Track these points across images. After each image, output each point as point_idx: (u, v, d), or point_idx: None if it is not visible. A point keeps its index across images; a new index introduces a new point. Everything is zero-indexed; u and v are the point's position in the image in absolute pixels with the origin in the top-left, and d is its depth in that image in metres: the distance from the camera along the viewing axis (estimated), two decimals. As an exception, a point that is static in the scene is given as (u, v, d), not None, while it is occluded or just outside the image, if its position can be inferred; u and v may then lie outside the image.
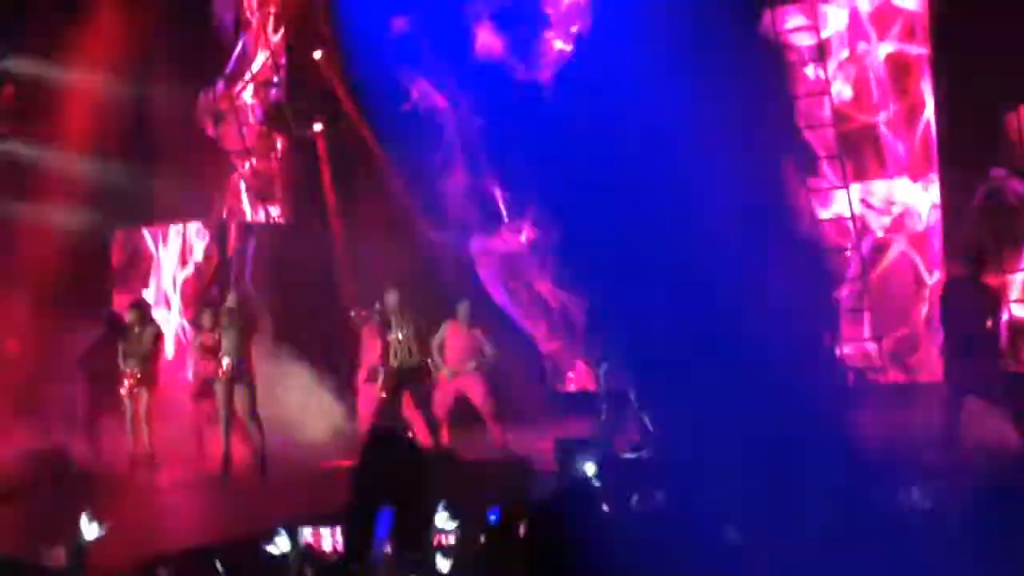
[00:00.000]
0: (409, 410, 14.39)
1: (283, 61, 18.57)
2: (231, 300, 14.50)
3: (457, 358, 14.37)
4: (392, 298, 14.25)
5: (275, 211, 18.56)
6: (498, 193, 17.22)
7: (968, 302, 12.12)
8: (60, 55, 17.33)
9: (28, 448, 13.90)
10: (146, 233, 18.41)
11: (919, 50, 15.07)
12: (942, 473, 6.80)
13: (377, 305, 14.48)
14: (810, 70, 15.46)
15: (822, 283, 14.98)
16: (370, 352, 14.58)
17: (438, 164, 17.35)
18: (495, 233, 17.14)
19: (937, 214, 14.77)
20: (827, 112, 15.27)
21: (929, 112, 14.99)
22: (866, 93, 15.28)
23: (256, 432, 14.10)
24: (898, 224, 15.12)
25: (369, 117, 16.81)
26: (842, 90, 15.34)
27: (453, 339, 14.40)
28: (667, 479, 7.67)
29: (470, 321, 14.46)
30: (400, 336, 14.19)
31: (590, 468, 9.75)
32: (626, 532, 5.53)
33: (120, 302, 18.00)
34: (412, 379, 14.26)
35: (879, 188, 15.19)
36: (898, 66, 15.17)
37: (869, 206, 15.17)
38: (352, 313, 14.94)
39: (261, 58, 18.68)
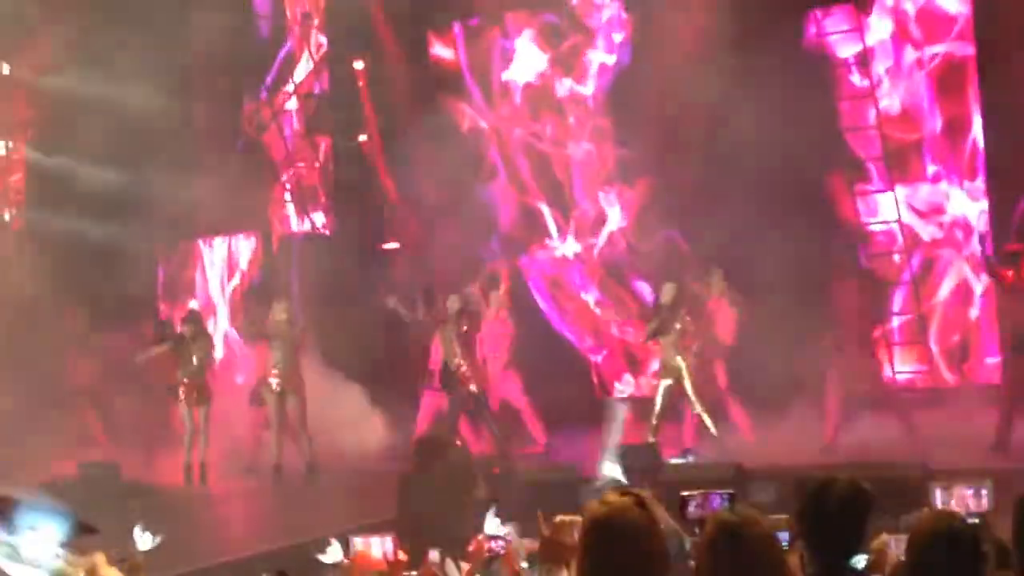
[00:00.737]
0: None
1: (326, 71, 18.63)
2: (278, 311, 14.59)
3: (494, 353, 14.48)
4: (454, 303, 14.39)
5: (320, 221, 18.63)
6: (545, 208, 17.22)
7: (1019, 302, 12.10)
8: (99, 68, 17.47)
9: (81, 460, 14.02)
10: (200, 245, 18.55)
11: (964, 52, 14.95)
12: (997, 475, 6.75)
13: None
14: (855, 77, 15.38)
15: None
16: (436, 358, 14.65)
17: (484, 178, 17.40)
18: (543, 246, 17.15)
19: (985, 219, 14.65)
20: (872, 116, 15.18)
21: (976, 120, 14.86)
22: (912, 101, 15.18)
23: (305, 442, 14.22)
24: (947, 232, 15.01)
25: (410, 130, 16.87)
26: (888, 99, 15.23)
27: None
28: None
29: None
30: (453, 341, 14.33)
31: (616, 472, 9.75)
32: (680, 539, 5.55)
33: (168, 314, 18.17)
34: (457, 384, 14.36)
35: (925, 193, 15.09)
36: (943, 74, 15.05)
37: (916, 212, 15.08)
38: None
39: (304, 68, 18.76)
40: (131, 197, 17.24)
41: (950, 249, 15.00)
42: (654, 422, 13.29)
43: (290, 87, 18.79)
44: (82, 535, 5.30)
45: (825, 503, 4.17)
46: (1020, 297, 12.13)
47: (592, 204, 16.93)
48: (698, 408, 13.24)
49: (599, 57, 16.92)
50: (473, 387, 14.20)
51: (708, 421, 13.20)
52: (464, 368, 14.23)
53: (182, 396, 14.51)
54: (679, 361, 13.30)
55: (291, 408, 14.27)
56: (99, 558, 6.70)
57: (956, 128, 14.97)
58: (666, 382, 13.41)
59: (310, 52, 18.64)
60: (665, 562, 3.58)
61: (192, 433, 14.42)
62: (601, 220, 16.86)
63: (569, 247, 17.04)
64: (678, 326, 13.33)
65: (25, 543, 4.54)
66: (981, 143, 14.81)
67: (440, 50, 17.81)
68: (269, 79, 18.79)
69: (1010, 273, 12.09)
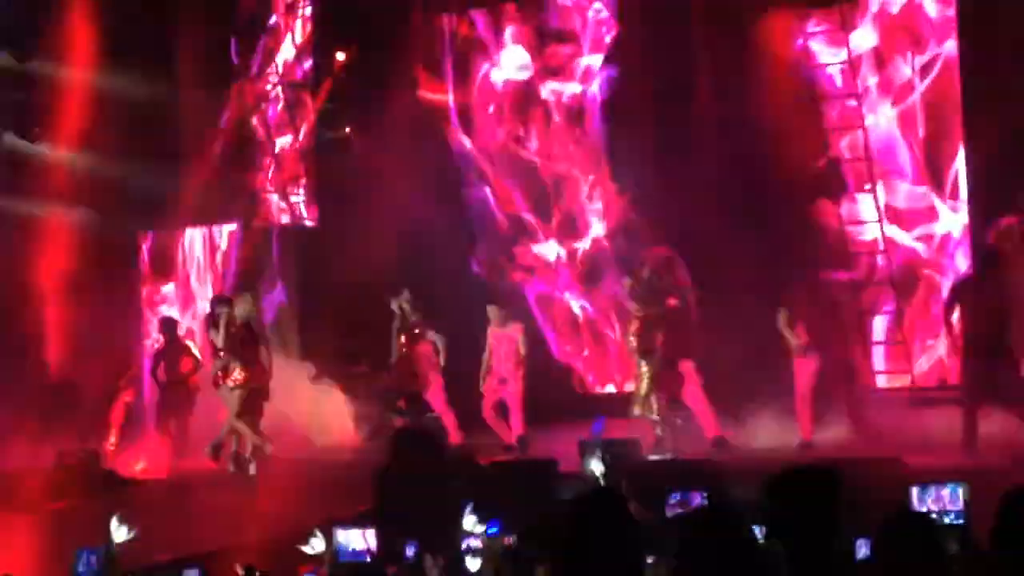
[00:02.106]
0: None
1: (311, 62, 18.58)
2: (241, 308, 14.40)
3: (501, 362, 14.47)
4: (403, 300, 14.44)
5: (303, 213, 18.59)
6: (528, 210, 17.19)
7: (980, 302, 12.21)
8: (83, 57, 17.41)
9: (61, 451, 13.99)
10: (186, 233, 18.52)
11: (949, 61, 14.94)
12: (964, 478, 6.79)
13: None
14: (839, 82, 15.41)
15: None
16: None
17: (466, 179, 17.37)
18: (527, 248, 17.13)
19: (965, 234, 14.68)
20: (856, 118, 15.20)
21: (958, 137, 14.87)
22: (897, 112, 15.21)
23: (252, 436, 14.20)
24: (926, 235, 15.03)
25: (394, 124, 16.85)
26: (873, 107, 15.26)
27: (497, 343, 14.49)
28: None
29: (504, 320, 14.56)
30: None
31: (597, 468, 9.78)
32: (654, 534, 5.57)
33: (151, 305, 18.15)
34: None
35: (906, 196, 15.12)
36: (930, 84, 15.06)
37: (897, 215, 15.11)
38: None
39: (289, 59, 18.70)
40: (112, 184, 17.20)
41: (926, 246, 15.02)
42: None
43: (274, 77, 18.74)
44: None
45: (792, 493, 4.15)
46: (979, 298, 12.25)
47: (576, 208, 16.90)
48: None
49: (585, 60, 16.87)
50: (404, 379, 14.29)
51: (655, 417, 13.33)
52: (401, 366, 14.30)
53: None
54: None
55: (245, 401, 14.17)
56: None
57: (941, 139, 14.97)
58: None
59: (294, 42, 18.59)
60: (640, 556, 3.61)
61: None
62: (585, 224, 16.84)
63: (551, 249, 17.00)
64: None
65: None
66: (963, 158, 14.79)
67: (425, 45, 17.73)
68: (254, 68, 18.75)
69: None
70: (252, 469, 13.93)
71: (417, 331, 14.66)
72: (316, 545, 7.08)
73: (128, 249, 18.51)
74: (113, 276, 17.63)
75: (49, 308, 16.93)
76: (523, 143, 17.22)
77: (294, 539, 7.49)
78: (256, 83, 18.78)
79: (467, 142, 17.41)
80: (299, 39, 18.58)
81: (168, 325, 16.50)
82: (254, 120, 18.77)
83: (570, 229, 16.91)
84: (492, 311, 14.53)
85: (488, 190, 17.27)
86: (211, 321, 14.57)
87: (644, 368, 13.36)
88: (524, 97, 17.22)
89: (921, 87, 15.00)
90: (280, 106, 18.76)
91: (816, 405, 13.06)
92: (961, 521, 6.39)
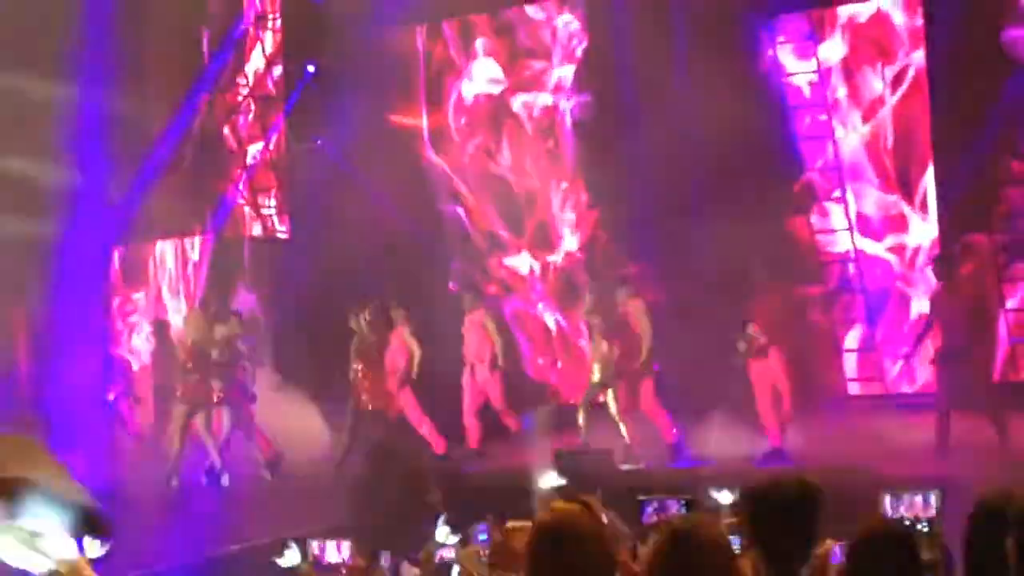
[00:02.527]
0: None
1: (281, 73, 18.56)
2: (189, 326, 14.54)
3: (475, 352, 14.50)
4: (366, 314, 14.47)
5: (275, 224, 18.57)
6: (501, 223, 17.21)
7: (952, 310, 12.37)
8: (53, 68, 17.35)
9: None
10: (157, 245, 18.46)
11: (917, 71, 15.03)
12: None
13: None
14: (808, 91, 15.50)
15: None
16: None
17: (439, 194, 17.38)
18: (500, 262, 17.14)
19: (935, 246, 14.78)
20: (827, 127, 15.28)
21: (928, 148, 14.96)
22: (867, 117, 15.29)
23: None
24: (898, 252, 15.11)
25: (366, 138, 16.87)
26: (843, 117, 15.34)
27: (467, 330, 14.60)
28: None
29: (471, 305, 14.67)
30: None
31: (553, 480, 9.82)
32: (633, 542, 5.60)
33: (123, 317, 18.05)
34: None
35: (876, 204, 15.20)
36: (898, 99, 15.14)
37: (867, 224, 15.20)
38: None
39: (258, 69, 18.68)
40: (81, 196, 17.12)
41: (897, 257, 15.11)
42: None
43: (244, 90, 18.71)
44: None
45: (772, 503, 4.16)
46: (951, 306, 12.44)
47: (549, 221, 16.92)
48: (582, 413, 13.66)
49: (556, 72, 16.91)
50: (364, 399, 14.22)
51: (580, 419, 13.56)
52: (360, 379, 14.27)
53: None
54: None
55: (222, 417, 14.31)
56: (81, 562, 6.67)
57: (911, 151, 15.05)
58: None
59: (264, 53, 18.57)
60: (612, 567, 3.62)
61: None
62: (558, 237, 16.86)
63: (524, 262, 17.01)
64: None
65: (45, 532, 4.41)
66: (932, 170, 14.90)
67: (398, 54, 17.73)
68: (223, 80, 18.71)
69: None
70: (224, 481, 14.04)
71: (375, 348, 14.58)
72: (291, 557, 7.08)
73: (99, 262, 18.40)
74: (84, 289, 17.53)
75: (17, 322, 16.83)
76: (495, 157, 17.24)
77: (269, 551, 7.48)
78: (226, 94, 18.74)
79: (439, 161, 17.42)
80: (269, 50, 18.57)
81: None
82: (225, 131, 18.73)
83: (543, 242, 16.94)
84: (465, 298, 14.70)
85: (461, 206, 17.28)
86: None
87: (596, 378, 13.50)
88: (495, 111, 17.26)
89: (892, 99, 15.10)
90: (251, 117, 18.73)
91: (783, 409, 13.07)
92: (931, 528, 6.42)
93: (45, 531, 3.19)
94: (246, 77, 18.68)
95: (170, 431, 14.42)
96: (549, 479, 9.67)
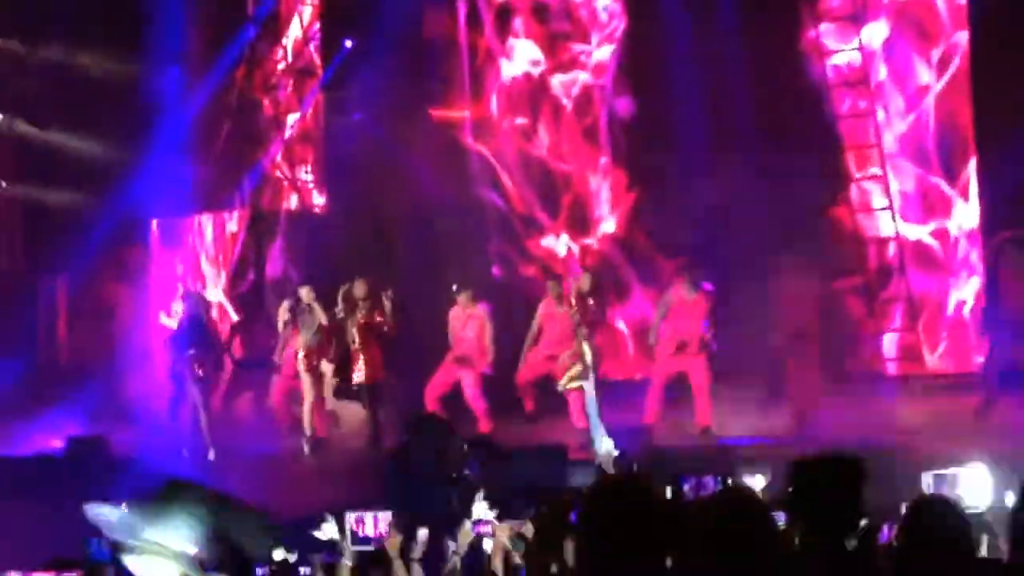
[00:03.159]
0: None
1: (320, 49, 18.55)
2: (307, 294, 14.50)
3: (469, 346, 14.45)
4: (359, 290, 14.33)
5: (312, 199, 18.59)
6: (538, 205, 17.11)
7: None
8: (95, 44, 17.44)
9: (69, 435, 13.98)
10: (196, 219, 18.50)
11: (960, 51, 14.88)
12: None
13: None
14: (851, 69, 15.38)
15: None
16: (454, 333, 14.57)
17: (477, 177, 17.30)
18: (536, 243, 17.07)
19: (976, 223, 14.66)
20: (867, 103, 15.16)
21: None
22: (909, 102, 15.16)
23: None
24: (940, 237, 14.98)
25: (400, 110, 16.84)
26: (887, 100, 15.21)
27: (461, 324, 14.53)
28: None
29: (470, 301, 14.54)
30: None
31: (607, 445, 9.77)
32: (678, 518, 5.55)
33: (159, 291, 18.11)
34: None
35: (918, 189, 15.07)
36: (941, 80, 15.00)
37: (908, 216, 15.08)
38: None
39: (297, 43, 18.67)
40: (121, 170, 17.20)
41: (939, 242, 14.99)
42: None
43: (282, 63, 18.71)
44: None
45: (817, 478, 4.13)
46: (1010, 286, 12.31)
47: (587, 202, 16.83)
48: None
49: (595, 52, 16.80)
50: (361, 376, 14.19)
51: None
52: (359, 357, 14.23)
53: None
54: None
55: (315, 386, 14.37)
56: None
57: (953, 132, 14.91)
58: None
59: (302, 25, 18.55)
60: (667, 534, 3.59)
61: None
62: (596, 219, 16.77)
63: (561, 243, 16.94)
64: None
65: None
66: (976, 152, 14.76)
67: (436, 33, 17.64)
68: (260, 52, 18.71)
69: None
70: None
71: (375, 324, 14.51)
72: (328, 530, 7.06)
73: (138, 234, 18.48)
74: (124, 261, 17.64)
75: (60, 292, 16.95)
76: (532, 138, 17.14)
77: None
78: (264, 66, 18.73)
79: (478, 145, 17.32)
80: (307, 22, 18.55)
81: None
82: (263, 104, 18.74)
83: (580, 224, 16.85)
84: (461, 293, 14.52)
85: (498, 187, 17.19)
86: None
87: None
88: (534, 92, 17.14)
89: (935, 81, 14.95)
90: (288, 90, 18.72)
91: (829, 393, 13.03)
92: (974, 508, 6.37)
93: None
94: (284, 50, 18.66)
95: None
96: (607, 445, 9.70)
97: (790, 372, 13.08)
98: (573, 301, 13.52)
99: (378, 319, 14.15)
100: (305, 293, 14.58)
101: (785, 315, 13.23)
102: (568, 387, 13.31)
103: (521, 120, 17.22)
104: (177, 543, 4.86)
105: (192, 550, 4.88)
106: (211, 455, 14.15)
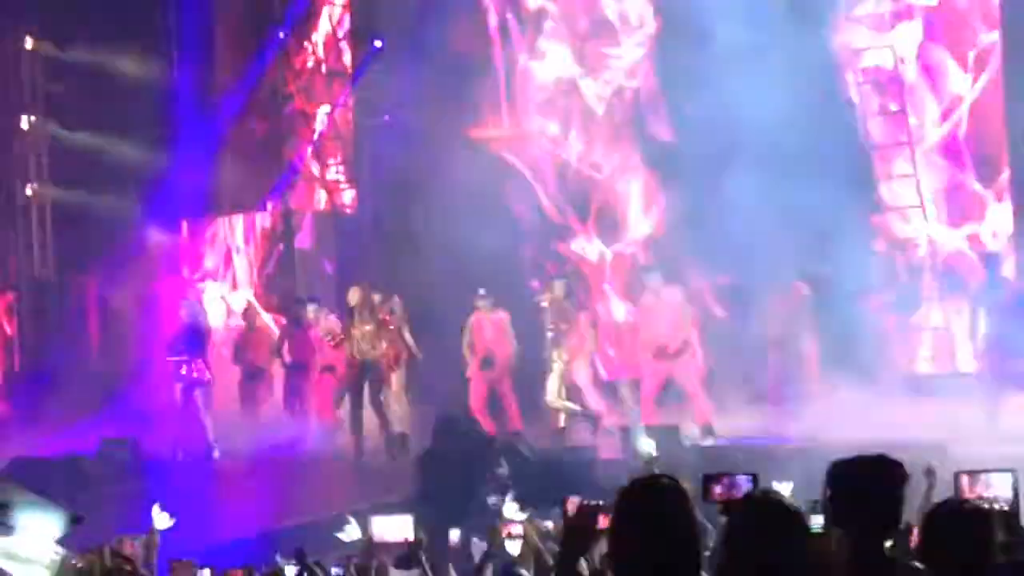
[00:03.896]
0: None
1: (350, 49, 18.57)
2: (355, 297, 14.46)
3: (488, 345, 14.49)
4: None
5: (343, 199, 18.61)
6: (569, 210, 17.05)
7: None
8: (125, 46, 17.51)
9: (103, 437, 14.04)
10: (227, 219, 18.53)
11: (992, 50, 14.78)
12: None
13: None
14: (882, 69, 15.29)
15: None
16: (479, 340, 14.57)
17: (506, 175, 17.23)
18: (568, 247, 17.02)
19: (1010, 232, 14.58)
20: (899, 104, 15.07)
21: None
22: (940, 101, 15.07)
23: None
24: (973, 243, 14.86)
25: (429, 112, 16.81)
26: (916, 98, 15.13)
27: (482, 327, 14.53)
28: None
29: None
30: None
31: (648, 447, 9.77)
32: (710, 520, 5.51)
33: (191, 290, 18.13)
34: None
35: (951, 194, 14.97)
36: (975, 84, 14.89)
37: (941, 217, 14.97)
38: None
39: (327, 43, 18.70)
40: (153, 172, 17.28)
41: (972, 247, 14.86)
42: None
43: (311, 63, 18.75)
44: (74, 526, 5.28)
45: (856, 481, 4.11)
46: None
47: (618, 207, 16.77)
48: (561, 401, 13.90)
49: (626, 56, 16.73)
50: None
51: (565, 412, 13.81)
52: (379, 358, 14.19)
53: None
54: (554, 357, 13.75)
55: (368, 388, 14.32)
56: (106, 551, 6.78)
57: (986, 136, 14.81)
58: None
59: (334, 29, 18.57)
60: (699, 535, 3.58)
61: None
62: (626, 224, 16.73)
63: (594, 248, 16.87)
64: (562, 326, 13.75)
65: (21, 543, 4.48)
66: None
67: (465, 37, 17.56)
68: (295, 60, 18.77)
69: None
70: None
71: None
72: (351, 532, 7.06)
73: (170, 234, 18.54)
74: (154, 262, 17.70)
75: (91, 293, 17.03)
76: (562, 143, 17.04)
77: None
78: (294, 67, 18.77)
79: (511, 155, 17.26)
80: (337, 23, 18.58)
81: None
82: (293, 104, 18.79)
83: (611, 229, 16.79)
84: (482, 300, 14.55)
85: (529, 192, 17.11)
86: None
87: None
88: (564, 95, 17.06)
89: (968, 83, 14.81)
90: (318, 90, 18.75)
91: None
92: (1008, 510, 6.33)
93: (28, 541, 3.22)
94: (314, 50, 18.68)
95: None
96: (647, 445, 9.74)
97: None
98: (547, 306, 13.67)
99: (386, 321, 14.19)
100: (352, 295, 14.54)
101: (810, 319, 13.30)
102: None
103: (552, 126, 17.11)
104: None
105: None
106: (216, 454, 14.21)
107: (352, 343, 14.18)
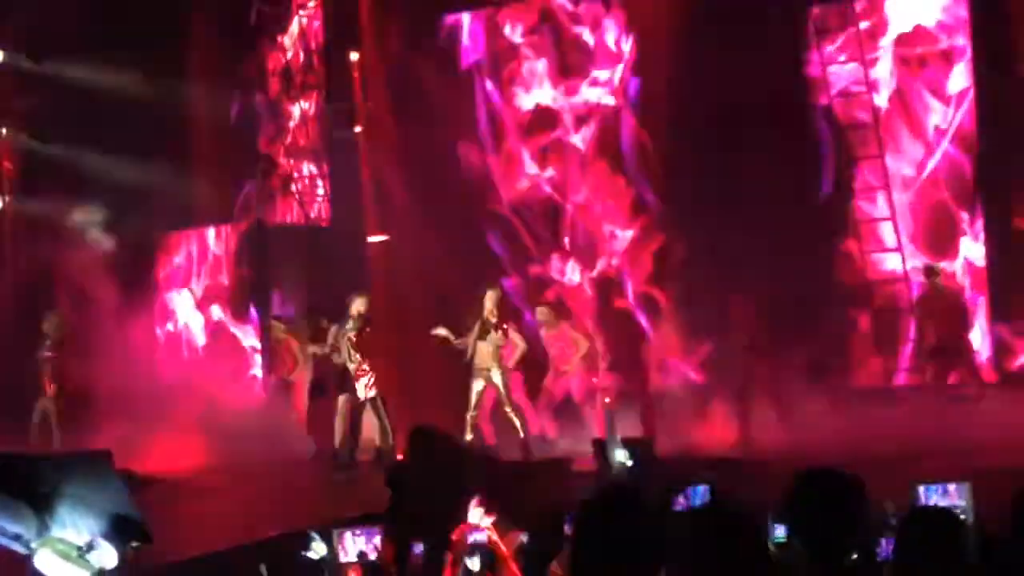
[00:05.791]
0: None
1: (322, 61, 18.61)
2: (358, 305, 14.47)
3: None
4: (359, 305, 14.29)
5: (313, 212, 18.64)
6: (545, 234, 17.11)
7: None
8: (96, 58, 17.54)
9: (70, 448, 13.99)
10: (198, 233, 18.54)
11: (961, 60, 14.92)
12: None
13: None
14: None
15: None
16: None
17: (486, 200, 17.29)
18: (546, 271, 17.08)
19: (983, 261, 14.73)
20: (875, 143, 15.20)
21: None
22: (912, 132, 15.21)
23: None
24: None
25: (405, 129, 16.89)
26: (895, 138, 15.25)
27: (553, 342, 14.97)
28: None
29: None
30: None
31: (622, 456, 9.81)
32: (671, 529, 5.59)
33: (163, 304, 18.14)
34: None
35: (926, 227, 15.10)
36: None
37: (916, 252, 15.10)
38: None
39: (299, 58, 18.75)
40: (125, 185, 17.28)
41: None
42: (469, 418, 13.82)
43: (285, 78, 18.78)
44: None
45: (815, 495, 4.15)
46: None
47: (596, 231, 16.85)
48: (508, 410, 13.87)
49: (602, 76, 16.82)
50: (371, 390, 14.18)
51: (517, 423, 13.83)
52: (362, 370, 14.16)
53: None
54: (493, 367, 13.77)
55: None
56: None
57: (960, 167, 14.94)
58: (477, 385, 13.90)
59: (306, 42, 18.61)
60: (658, 546, 3.64)
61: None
62: (604, 246, 16.82)
63: (571, 271, 16.95)
64: (498, 334, 13.77)
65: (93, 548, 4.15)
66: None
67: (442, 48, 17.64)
68: (266, 71, 18.81)
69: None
70: None
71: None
72: (318, 549, 6.96)
73: (144, 248, 18.53)
74: (129, 277, 17.68)
75: (65, 308, 16.98)
76: (542, 164, 17.10)
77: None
78: (269, 84, 18.82)
79: (485, 166, 17.31)
80: (310, 36, 18.63)
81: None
82: (267, 118, 18.83)
83: (589, 252, 16.86)
84: (543, 313, 15.04)
85: (507, 214, 17.18)
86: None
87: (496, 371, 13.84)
88: (543, 118, 17.12)
89: (940, 115, 14.94)
90: (291, 107, 18.80)
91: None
92: (966, 519, 6.42)
93: (82, 541, 3.17)
94: (288, 66, 18.73)
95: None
96: (622, 455, 9.81)
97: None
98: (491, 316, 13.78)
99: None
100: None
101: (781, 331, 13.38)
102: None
103: (530, 145, 17.18)
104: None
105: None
106: None
107: (347, 352, 14.21)
